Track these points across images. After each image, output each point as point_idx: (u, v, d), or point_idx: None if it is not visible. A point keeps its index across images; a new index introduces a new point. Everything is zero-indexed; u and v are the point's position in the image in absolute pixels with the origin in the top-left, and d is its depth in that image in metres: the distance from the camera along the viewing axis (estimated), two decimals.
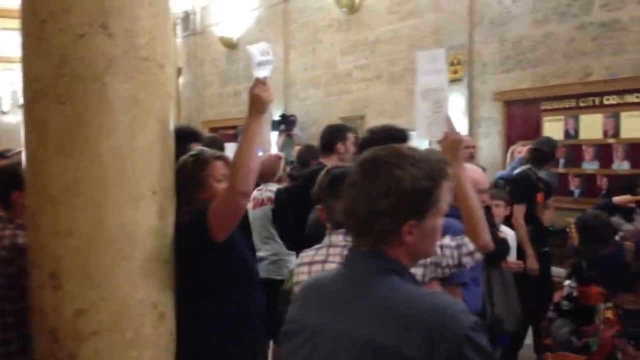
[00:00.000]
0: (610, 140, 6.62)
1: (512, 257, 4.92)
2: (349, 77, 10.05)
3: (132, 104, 2.41)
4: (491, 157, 7.90)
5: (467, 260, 2.29)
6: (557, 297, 4.16)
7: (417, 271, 2.15)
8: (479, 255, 2.32)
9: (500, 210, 4.85)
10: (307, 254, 2.31)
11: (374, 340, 1.34)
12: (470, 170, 3.53)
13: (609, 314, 3.82)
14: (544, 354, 3.96)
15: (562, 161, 6.97)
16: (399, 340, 1.31)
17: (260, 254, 4.66)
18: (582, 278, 4.06)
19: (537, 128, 7.28)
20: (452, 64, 8.29)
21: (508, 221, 5.19)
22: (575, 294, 4.06)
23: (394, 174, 1.42)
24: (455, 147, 2.34)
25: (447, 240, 2.29)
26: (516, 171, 5.92)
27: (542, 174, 5.73)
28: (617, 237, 4.30)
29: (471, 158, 6.99)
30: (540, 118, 7.30)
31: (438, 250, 2.23)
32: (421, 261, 2.12)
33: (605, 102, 6.65)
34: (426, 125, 2.43)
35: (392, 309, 1.36)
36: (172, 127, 2.62)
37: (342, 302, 1.45)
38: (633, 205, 5.26)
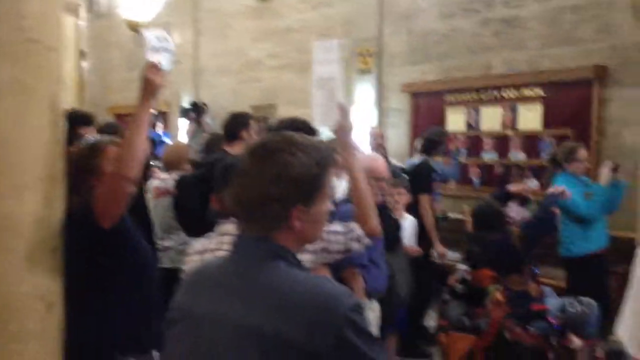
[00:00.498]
0: (508, 132, 6.91)
1: (412, 243, 5.07)
2: (259, 65, 10.01)
3: (19, 89, 2.31)
4: (399, 147, 8.07)
5: (355, 245, 2.33)
6: (451, 280, 4.32)
7: (306, 257, 2.18)
8: (367, 241, 2.37)
9: (403, 198, 4.98)
10: (200, 243, 2.30)
11: (257, 327, 1.35)
12: (371, 159, 3.62)
13: (499, 296, 4.00)
14: (439, 334, 4.11)
15: (463, 151, 7.22)
16: (282, 325, 1.33)
17: (165, 243, 4.59)
18: (474, 262, 4.23)
19: (442, 119, 7.50)
20: (362, 55, 8.40)
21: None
22: (468, 277, 4.23)
23: (284, 160, 1.45)
24: (346, 135, 2.38)
25: (336, 226, 2.33)
26: (415, 162, 6.09)
27: (434, 163, 5.92)
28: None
29: (380, 147, 7.14)
30: (444, 110, 7.52)
31: (327, 236, 2.26)
32: (310, 247, 2.16)
33: (504, 96, 6.92)
34: (321, 114, 2.47)
35: (275, 294, 1.38)
36: (61, 113, 2.53)
37: (227, 288, 1.45)
38: (527, 193, 5.54)
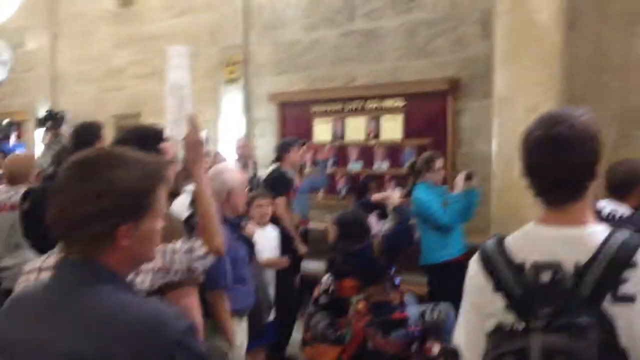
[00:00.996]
0: (372, 142, 7.07)
1: (276, 254, 5.02)
2: (122, 73, 9.65)
3: None
4: (268, 157, 8.01)
5: (198, 264, 2.24)
6: (316, 292, 4.31)
7: (145, 278, 2.08)
8: (210, 259, 2.28)
9: (265, 210, 4.93)
10: (33, 262, 2.12)
11: (80, 356, 1.27)
12: (230, 172, 3.53)
13: (361, 306, 4.03)
14: (304, 347, 4.08)
15: (330, 161, 7.30)
16: (107, 353, 1.26)
17: (5, 263, 4.27)
18: (337, 272, 4.24)
19: (309, 129, 7.55)
20: (228, 64, 8.31)
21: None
22: (332, 288, 4.24)
23: (105, 175, 1.37)
24: (195, 147, 2.30)
25: (177, 244, 2.24)
26: (268, 170, 6.09)
27: (290, 173, 5.88)
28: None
29: (247, 157, 7.08)
30: (311, 120, 7.57)
31: (167, 255, 2.17)
32: (148, 267, 2.07)
33: (368, 106, 7.08)
34: (172, 123, 2.37)
35: (100, 320, 1.30)
36: None
37: (47, 315, 1.35)
38: (390, 202, 5.63)
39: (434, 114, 6.50)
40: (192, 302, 2.49)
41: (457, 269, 4.98)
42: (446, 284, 4.99)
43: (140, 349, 1.26)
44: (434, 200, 5.06)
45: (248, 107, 8.35)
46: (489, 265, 1.61)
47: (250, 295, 3.47)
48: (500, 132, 4.88)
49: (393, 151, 6.91)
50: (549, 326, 1.42)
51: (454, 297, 4.67)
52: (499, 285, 1.56)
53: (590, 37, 5.38)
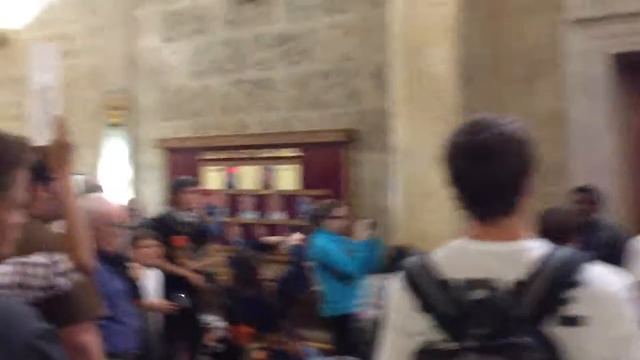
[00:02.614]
0: (267, 191, 7.03)
1: (158, 297, 4.78)
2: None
3: None
4: (154, 203, 7.78)
5: (60, 280, 2.03)
6: (207, 339, 4.16)
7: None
8: (76, 276, 2.09)
9: (152, 251, 4.73)
10: None
11: None
12: (103, 202, 3.35)
13: (261, 355, 3.93)
14: None
15: (223, 210, 7.18)
16: None
17: None
18: (231, 318, 4.12)
19: (198, 176, 7.38)
20: (113, 109, 8.03)
21: None
22: (226, 335, 4.11)
23: None
24: (62, 152, 2.13)
25: (37, 257, 2.04)
26: (159, 212, 5.82)
27: (191, 217, 5.52)
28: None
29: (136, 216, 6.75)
30: (200, 167, 7.44)
31: (25, 268, 1.97)
32: (4, 282, 1.88)
33: (261, 155, 7.05)
34: (37, 129, 2.22)
35: None
36: None
37: None
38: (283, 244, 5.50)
39: (330, 165, 6.55)
40: (90, 339, 2.28)
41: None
42: (350, 337, 4.98)
43: None
44: (335, 248, 5.00)
45: (133, 153, 8.08)
46: (413, 283, 1.44)
47: (130, 336, 3.24)
48: (402, 184, 4.95)
49: (289, 201, 6.89)
50: (484, 347, 1.28)
51: (359, 350, 4.71)
52: (426, 304, 1.40)
53: (487, 92, 5.51)
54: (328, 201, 5.47)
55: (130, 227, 5.98)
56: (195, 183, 5.78)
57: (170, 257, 5.26)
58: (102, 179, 7.93)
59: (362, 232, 5.07)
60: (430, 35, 4.94)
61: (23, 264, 1.96)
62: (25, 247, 2.01)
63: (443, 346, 1.33)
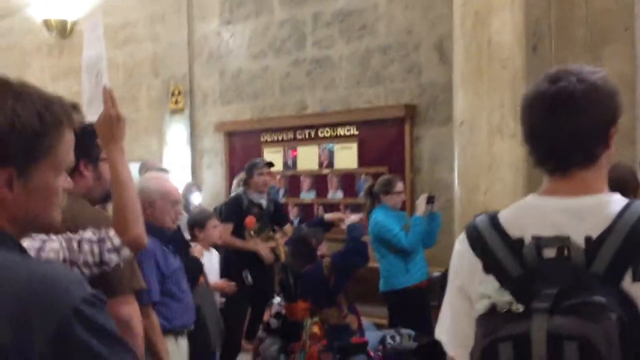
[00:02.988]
0: (325, 171, 6.94)
1: (215, 278, 4.78)
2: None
3: None
4: (215, 188, 7.84)
5: (111, 257, 1.98)
6: (266, 316, 4.12)
7: None
8: (127, 252, 2.02)
9: (217, 231, 4.75)
10: None
11: None
12: (163, 180, 3.33)
13: (316, 329, 3.88)
14: None
15: (282, 191, 7.14)
16: None
17: None
18: (289, 295, 4.07)
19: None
20: (173, 94, 8.12)
21: None
22: (283, 311, 4.06)
23: None
24: (112, 124, 2.05)
25: (86, 233, 1.98)
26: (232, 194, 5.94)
27: (261, 198, 5.63)
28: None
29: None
30: (261, 149, 7.41)
31: (74, 244, 1.92)
32: (50, 257, 1.81)
33: (320, 135, 6.97)
34: (88, 103, 2.14)
35: None
36: None
37: None
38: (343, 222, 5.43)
39: (390, 142, 6.43)
40: (131, 312, 2.24)
41: (419, 295, 4.95)
42: (406, 311, 4.90)
43: (23, 318, 0.99)
44: (393, 223, 4.95)
45: (194, 138, 8.13)
46: (479, 242, 1.37)
47: (187, 312, 3.22)
48: (464, 157, 4.83)
49: (347, 180, 6.79)
50: (556, 308, 1.19)
51: (415, 324, 4.61)
52: (492, 265, 1.34)
53: (553, 60, 5.33)
54: (386, 176, 5.39)
55: (194, 208, 6.07)
56: (269, 165, 5.80)
57: (241, 237, 5.44)
58: (166, 165, 8.01)
59: (422, 204, 4.93)
60: (495, 2, 4.77)
61: (72, 240, 1.92)
62: (72, 224, 2.01)
63: (510, 308, 1.25)
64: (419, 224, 4.91)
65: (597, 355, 1.15)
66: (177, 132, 8.18)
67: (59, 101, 1.21)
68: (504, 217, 1.38)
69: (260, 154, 7.36)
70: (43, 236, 1.85)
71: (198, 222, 4.66)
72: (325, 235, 4.56)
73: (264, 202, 5.63)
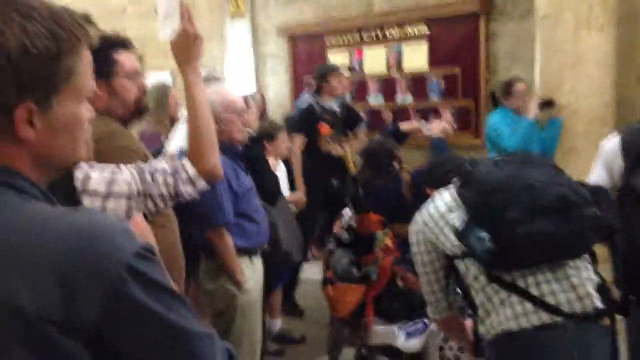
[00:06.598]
0: (393, 73, 6.62)
1: (285, 191, 4.65)
2: (123, 14, 9.14)
3: None
4: (279, 95, 7.63)
5: (186, 189, 1.82)
6: (336, 228, 3.94)
7: (119, 204, 1.67)
8: (202, 184, 1.85)
9: (285, 145, 4.63)
10: None
11: None
12: (225, 92, 3.10)
13: (388, 242, 3.69)
14: (325, 287, 3.73)
15: (348, 96, 6.85)
16: (13, 284, 0.87)
17: None
18: (360, 206, 3.87)
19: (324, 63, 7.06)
20: None
21: None
22: (353, 224, 3.87)
23: None
24: (189, 43, 1.83)
25: (158, 163, 1.82)
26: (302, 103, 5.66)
27: (332, 103, 5.41)
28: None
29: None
30: (325, 53, 7.10)
31: (147, 175, 1.75)
32: (123, 190, 1.67)
33: (387, 35, 6.58)
34: (163, 20, 1.89)
35: (2, 240, 0.90)
36: None
37: None
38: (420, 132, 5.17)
39: (463, 40, 6.02)
40: (136, 221, 2.05)
41: None
42: None
43: (67, 279, 0.87)
44: (505, 124, 4.68)
45: (256, 43, 7.86)
46: (631, 145, 1.87)
47: (261, 232, 3.14)
48: (545, 55, 4.46)
49: (417, 82, 6.45)
50: None
51: None
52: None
53: None
54: (509, 79, 5.03)
55: (262, 121, 5.90)
56: (339, 69, 5.58)
57: (315, 145, 5.28)
58: (228, 71, 7.81)
59: (532, 110, 4.54)
60: None
61: (144, 171, 1.76)
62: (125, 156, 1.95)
63: None
64: (524, 127, 4.53)
65: None
66: (237, 37, 7.91)
67: (70, 15, 0.98)
68: None
69: (325, 58, 7.06)
70: (113, 166, 1.72)
71: (268, 134, 4.48)
72: (399, 147, 4.29)
73: (335, 107, 5.42)
